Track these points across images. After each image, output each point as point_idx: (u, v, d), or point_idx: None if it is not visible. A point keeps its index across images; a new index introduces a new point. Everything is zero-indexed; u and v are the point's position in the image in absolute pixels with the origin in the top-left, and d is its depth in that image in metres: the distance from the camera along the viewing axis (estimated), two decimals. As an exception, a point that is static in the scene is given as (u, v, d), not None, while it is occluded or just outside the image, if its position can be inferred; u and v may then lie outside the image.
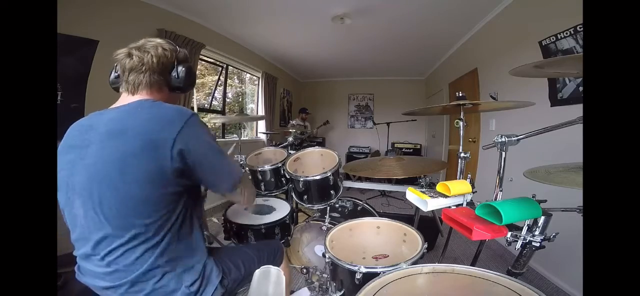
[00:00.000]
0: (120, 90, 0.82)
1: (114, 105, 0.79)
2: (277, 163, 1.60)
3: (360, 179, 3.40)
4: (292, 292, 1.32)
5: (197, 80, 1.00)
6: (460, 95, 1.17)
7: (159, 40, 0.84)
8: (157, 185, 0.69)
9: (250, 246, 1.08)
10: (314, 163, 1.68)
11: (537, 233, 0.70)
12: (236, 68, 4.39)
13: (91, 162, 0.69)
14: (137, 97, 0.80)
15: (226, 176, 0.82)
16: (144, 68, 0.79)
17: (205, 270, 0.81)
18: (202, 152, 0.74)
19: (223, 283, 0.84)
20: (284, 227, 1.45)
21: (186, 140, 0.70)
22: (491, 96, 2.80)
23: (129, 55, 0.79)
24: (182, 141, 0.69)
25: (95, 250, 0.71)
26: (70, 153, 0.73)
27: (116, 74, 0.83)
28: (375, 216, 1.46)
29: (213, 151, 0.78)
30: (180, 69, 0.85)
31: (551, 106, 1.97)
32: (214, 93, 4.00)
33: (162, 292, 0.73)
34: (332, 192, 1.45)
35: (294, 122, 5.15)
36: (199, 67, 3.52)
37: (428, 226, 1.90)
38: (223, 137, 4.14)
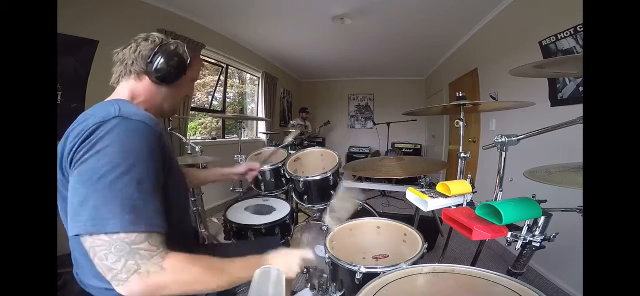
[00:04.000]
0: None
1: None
2: (277, 163, 1.60)
3: (360, 179, 3.40)
4: (294, 292, 1.32)
5: (196, 80, 0.93)
6: (460, 95, 1.17)
7: (152, 33, 0.79)
8: None
9: (247, 244, 1.01)
10: (314, 163, 1.68)
11: (537, 233, 0.70)
12: (236, 68, 4.39)
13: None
14: (118, 90, 0.76)
15: (88, 216, 0.53)
16: (124, 59, 0.75)
17: None
18: (79, 166, 0.55)
19: None
20: (284, 227, 1.45)
21: (76, 148, 0.57)
22: (491, 96, 2.80)
23: (122, 49, 0.76)
24: (71, 148, 0.58)
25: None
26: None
27: None
28: (375, 216, 1.46)
29: (95, 170, 0.54)
30: (159, 58, 0.74)
31: (551, 106, 1.97)
32: (214, 93, 4.01)
33: None
34: (332, 192, 1.45)
35: (294, 122, 5.14)
36: (199, 67, 3.52)
37: (428, 226, 1.90)
38: (223, 137, 4.14)
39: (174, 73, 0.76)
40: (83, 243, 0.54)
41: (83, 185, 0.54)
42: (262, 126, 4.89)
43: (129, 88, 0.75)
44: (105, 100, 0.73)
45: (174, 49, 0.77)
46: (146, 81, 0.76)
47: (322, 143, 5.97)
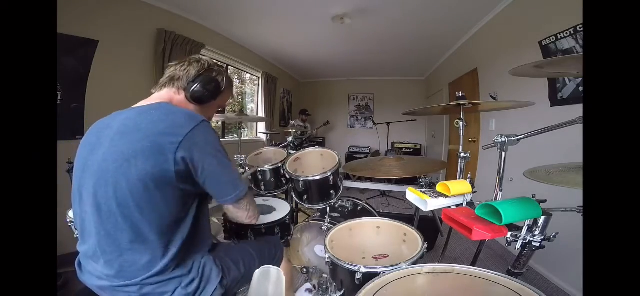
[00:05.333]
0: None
1: (136, 105, 0.82)
2: (277, 163, 1.59)
3: (360, 179, 3.41)
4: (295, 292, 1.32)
5: (222, 107, 1.08)
6: (460, 95, 1.17)
7: (205, 57, 0.92)
8: (162, 186, 0.69)
9: (252, 244, 1.06)
10: (314, 163, 1.68)
11: (537, 233, 0.70)
12: (236, 68, 4.39)
13: (100, 158, 0.70)
14: (161, 95, 0.86)
15: (230, 187, 0.80)
16: (175, 73, 0.87)
17: (204, 269, 0.80)
18: (205, 159, 0.73)
19: (223, 283, 0.83)
20: (284, 227, 1.45)
21: (190, 146, 0.70)
22: (491, 96, 2.80)
23: (176, 64, 0.89)
24: (185, 146, 0.69)
25: (97, 249, 0.72)
26: (84, 150, 0.75)
27: None
28: (375, 216, 1.46)
29: (218, 160, 0.77)
30: (198, 81, 0.87)
31: (551, 106, 1.97)
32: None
33: (160, 292, 0.73)
34: (332, 192, 1.45)
35: (294, 123, 5.14)
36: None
37: (428, 226, 1.90)
38: (223, 137, 4.13)
39: (206, 97, 0.88)
40: None
41: None
42: (262, 126, 4.89)
43: (170, 97, 0.86)
44: (157, 102, 0.83)
45: (214, 77, 0.90)
46: (182, 95, 0.87)
47: (322, 143, 5.97)
